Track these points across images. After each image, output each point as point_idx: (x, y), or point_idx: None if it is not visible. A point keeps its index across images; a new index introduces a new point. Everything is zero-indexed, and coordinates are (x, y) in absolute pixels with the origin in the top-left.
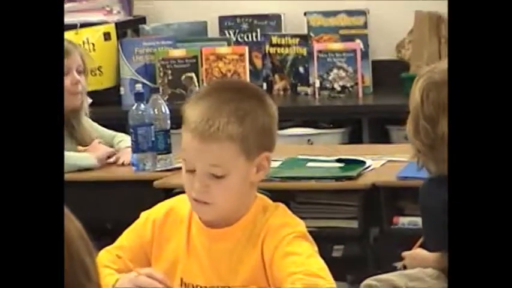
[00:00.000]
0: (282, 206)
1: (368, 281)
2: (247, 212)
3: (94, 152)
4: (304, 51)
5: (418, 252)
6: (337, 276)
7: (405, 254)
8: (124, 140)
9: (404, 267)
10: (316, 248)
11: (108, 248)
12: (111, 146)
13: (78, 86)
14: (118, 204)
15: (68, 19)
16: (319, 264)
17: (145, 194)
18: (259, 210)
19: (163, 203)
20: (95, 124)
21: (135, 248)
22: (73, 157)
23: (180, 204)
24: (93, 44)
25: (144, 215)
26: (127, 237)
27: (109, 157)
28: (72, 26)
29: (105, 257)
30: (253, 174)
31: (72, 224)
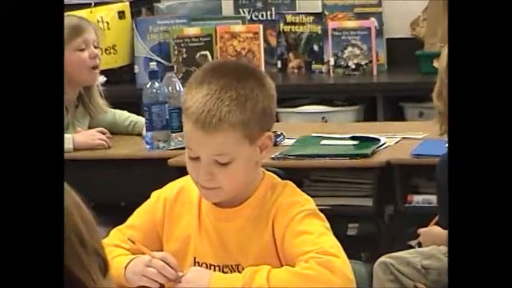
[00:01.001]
0: (290, 183)
1: (383, 258)
2: (255, 190)
3: (80, 135)
4: (318, 29)
5: (432, 229)
6: (351, 255)
7: (421, 231)
8: (138, 122)
9: (419, 245)
10: (327, 225)
11: (119, 227)
12: (123, 129)
13: (96, 59)
14: (132, 182)
15: None
16: (331, 242)
17: (159, 172)
18: (267, 189)
19: (174, 183)
20: (111, 111)
21: (146, 227)
22: None
23: (190, 183)
24: (107, 23)
25: (155, 194)
26: (138, 217)
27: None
28: (87, 5)
29: (117, 236)
30: (257, 155)
31: (68, 195)
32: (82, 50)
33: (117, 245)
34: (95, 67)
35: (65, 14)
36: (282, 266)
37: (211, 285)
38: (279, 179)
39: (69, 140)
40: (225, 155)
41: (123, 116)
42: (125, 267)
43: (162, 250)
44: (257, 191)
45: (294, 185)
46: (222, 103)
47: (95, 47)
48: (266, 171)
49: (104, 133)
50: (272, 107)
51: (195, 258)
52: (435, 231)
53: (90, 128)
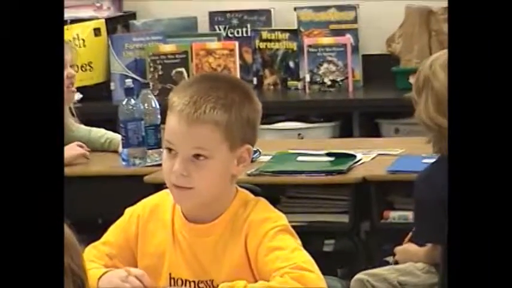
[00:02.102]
0: (262, 200)
1: (359, 275)
2: (228, 206)
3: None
4: (294, 46)
5: (408, 247)
6: (328, 271)
7: (397, 249)
8: (114, 139)
9: (396, 263)
10: (299, 241)
11: (94, 244)
12: (98, 146)
13: (72, 79)
14: (109, 199)
15: None
16: (304, 257)
17: (135, 189)
18: (240, 205)
19: (147, 199)
20: (87, 129)
21: (121, 244)
22: None
23: (164, 200)
24: (83, 40)
25: (128, 211)
26: (112, 233)
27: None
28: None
29: (92, 253)
30: (234, 166)
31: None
32: None
33: (92, 261)
34: (70, 86)
35: None
36: (256, 281)
37: None
38: (252, 196)
39: None
40: (203, 149)
41: (99, 133)
42: (98, 279)
43: (136, 267)
44: (230, 207)
45: (266, 202)
46: (209, 100)
47: (71, 66)
48: (239, 188)
49: (81, 147)
50: (256, 123)
51: (170, 274)
52: (411, 249)
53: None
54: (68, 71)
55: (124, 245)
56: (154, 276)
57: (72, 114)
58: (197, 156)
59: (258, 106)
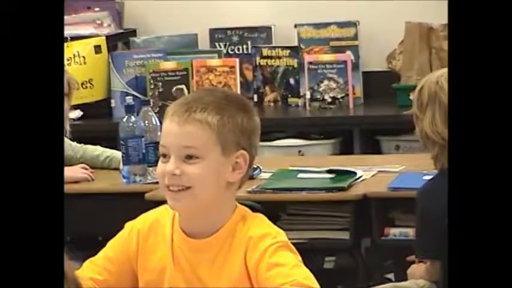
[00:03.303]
0: (261, 216)
1: None
2: (227, 221)
3: (66, 170)
4: (294, 62)
5: (418, 267)
6: None
7: (409, 273)
8: (114, 157)
9: (396, 278)
10: (299, 258)
11: (92, 258)
12: (97, 164)
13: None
14: (109, 216)
15: None
16: (305, 274)
17: (136, 206)
18: (238, 220)
19: (146, 214)
20: (82, 147)
21: (120, 259)
22: None
23: (163, 214)
24: (83, 57)
25: (128, 225)
26: (112, 248)
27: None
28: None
29: (90, 268)
30: (229, 172)
31: None
32: None
33: (91, 277)
34: None
35: None
36: None
37: None
38: (250, 212)
39: None
40: (194, 148)
41: (96, 151)
42: None
43: (136, 281)
44: (229, 221)
45: (265, 218)
46: (201, 102)
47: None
48: (238, 204)
49: (86, 169)
50: (252, 131)
51: None
52: (421, 269)
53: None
54: None
55: (124, 260)
56: None
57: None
58: (189, 157)
59: (254, 118)
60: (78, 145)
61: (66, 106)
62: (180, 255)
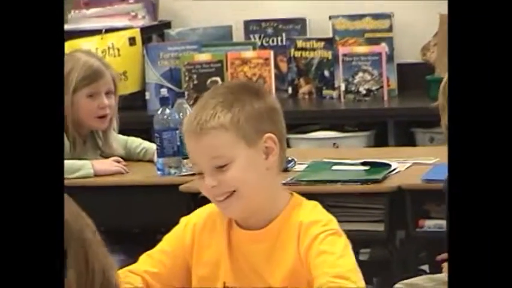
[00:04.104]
0: (314, 203)
1: (397, 285)
2: (281, 211)
3: (98, 163)
4: (329, 54)
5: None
6: (363, 280)
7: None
8: (149, 149)
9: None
10: (348, 243)
11: (148, 252)
12: (134, 156)
13: (105, 109)
14: (144, 208)
15: (93, 24)
16: (349, 265)
17: (171, 198)
18: (293, 209)
19: (202, 208)
20: (123, 138)
21: (176, 253)
22: (67, 163)
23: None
24: (118, 49)
25: (184, 220)
26: (167, 242)
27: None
28: (98, 31)
29: (147, 261)
30: (263, 160)
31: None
32: (91, 97)
33: (145, 270)
34: (102, 116)
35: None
36: (311, 285)
37: None
38: (306, 200)
39: (89, 165)
40: (220, 157)
41: (135, 143)
42: None
43: (190, 276)
44: (283, 211)
45: (319, 205)
46: (208, 107)
47: (109, 93)
48: (295, 194)
49: (119, 162)
50: (270, 114)
51: (224, 283)
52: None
53: (101, 157)
54: (99, 100)
55: (179, 254)
56: (209, 286)
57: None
58: (219, 167)
59: (267, 98)
60: (120, 136)
61: (114, 102)
62: (237, 248)
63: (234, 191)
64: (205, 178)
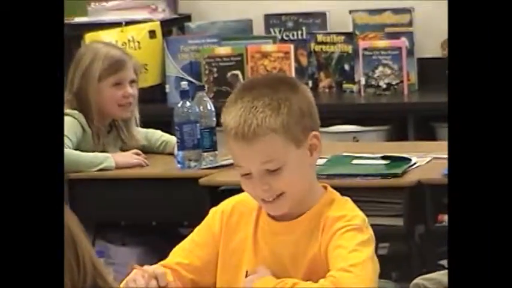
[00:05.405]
0: (346, 199)
1: (416, 280)
2: (314, 204)
3: (118, 156)
4: (349, 48)
5: None
6: (382, 274)
7: None
8: (169, 142)
9: None
10: (370, 239)
11: (180, 244)
12: (154, 149)
13: (130, 98)
14: (164, 201)
15: (113, 17)
16: (357, 259)
17: (190, 191)
18: (325, 203)
19: (230, 198)
20: (144, 131)
21: (207, 242)
22: (89, 156)
23: (248, 196)
24: (138, 42)
25: (212, 210)
26: (198, 233)
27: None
28: (118, 24)
29: (178, 253)
30: (308, 157)
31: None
32: (116, 86)
33: (177, 262)
34: (126, 105)
35: (106, 40)
36: None
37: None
38: (339, 196)
39: (110, 158)
40: (272, 161)
41: (156, 135)
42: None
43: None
44: (317, 204)
45: (350, 201)
46: (256, 110)
47: (132, 82)
48: (329, 188)
49: (138, 154)
50: (311, 110)
51: (247, 272)
52: None
53: (121, 150)
54: (124, 89)
55: (210, 243)
56: (233, 274)
57: (137, 125)
58: (271, 171)
59: (306, 94)
60: (140, 129)
61: (135, 92)
62: (261, 238)
63: (283, 193)
64: (254, 181)
